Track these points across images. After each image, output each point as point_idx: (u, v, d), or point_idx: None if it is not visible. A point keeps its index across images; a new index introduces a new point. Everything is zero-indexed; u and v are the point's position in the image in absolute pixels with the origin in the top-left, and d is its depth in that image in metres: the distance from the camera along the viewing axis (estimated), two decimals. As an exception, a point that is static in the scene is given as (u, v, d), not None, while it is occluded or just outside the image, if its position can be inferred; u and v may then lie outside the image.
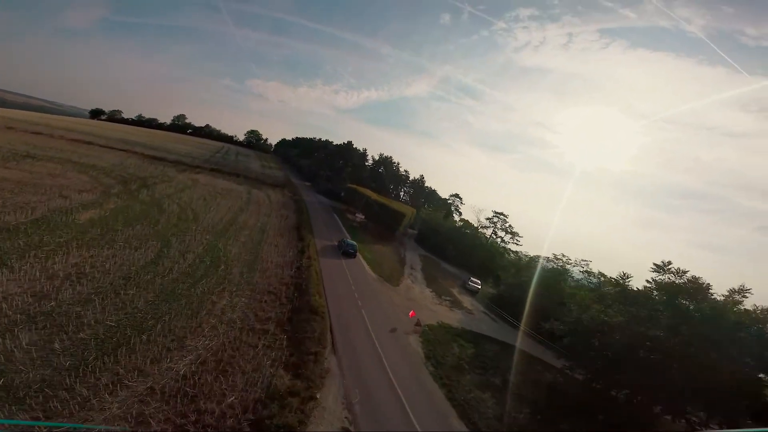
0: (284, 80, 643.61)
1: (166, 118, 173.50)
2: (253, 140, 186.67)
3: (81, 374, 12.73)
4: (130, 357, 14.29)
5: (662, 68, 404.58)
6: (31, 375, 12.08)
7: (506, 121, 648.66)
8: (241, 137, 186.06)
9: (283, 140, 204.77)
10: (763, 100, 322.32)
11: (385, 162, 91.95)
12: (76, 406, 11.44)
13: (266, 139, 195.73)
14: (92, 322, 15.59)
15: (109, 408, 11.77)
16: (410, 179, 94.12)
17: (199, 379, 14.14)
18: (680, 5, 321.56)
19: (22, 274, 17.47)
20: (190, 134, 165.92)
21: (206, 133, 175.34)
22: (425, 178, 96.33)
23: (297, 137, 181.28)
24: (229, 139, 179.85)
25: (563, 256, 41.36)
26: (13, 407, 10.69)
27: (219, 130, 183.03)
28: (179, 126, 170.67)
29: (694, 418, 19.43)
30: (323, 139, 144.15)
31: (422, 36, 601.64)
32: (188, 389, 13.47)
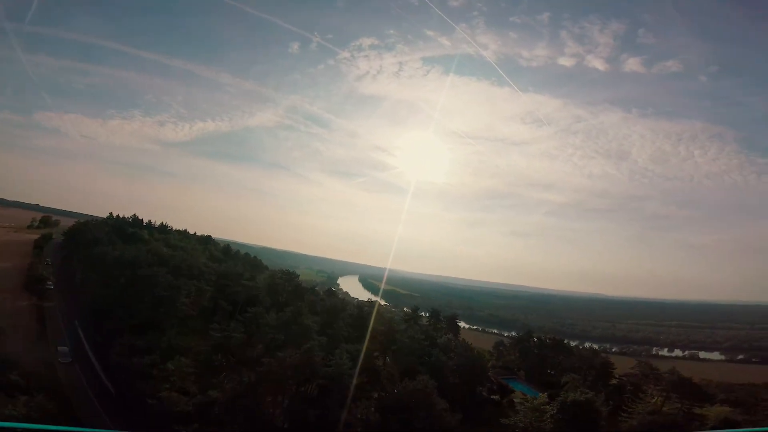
0: (89, 112, 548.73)
1: None
2: None
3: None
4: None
5: (466, 91, 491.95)
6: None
7: (352, 148, 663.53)
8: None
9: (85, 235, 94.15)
10: (534, 112, 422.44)
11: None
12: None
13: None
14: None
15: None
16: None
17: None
18: (480, 33, 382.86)
19: None
20: None
21: None
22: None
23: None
24: None
25: None
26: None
27: None
28: None
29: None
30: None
31: (268, 65, 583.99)
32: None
